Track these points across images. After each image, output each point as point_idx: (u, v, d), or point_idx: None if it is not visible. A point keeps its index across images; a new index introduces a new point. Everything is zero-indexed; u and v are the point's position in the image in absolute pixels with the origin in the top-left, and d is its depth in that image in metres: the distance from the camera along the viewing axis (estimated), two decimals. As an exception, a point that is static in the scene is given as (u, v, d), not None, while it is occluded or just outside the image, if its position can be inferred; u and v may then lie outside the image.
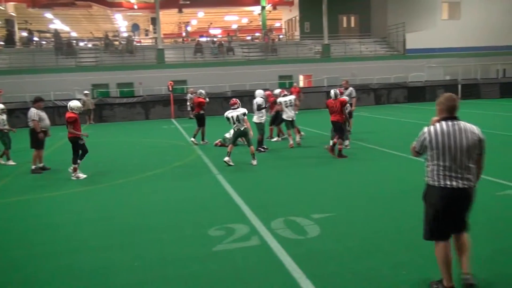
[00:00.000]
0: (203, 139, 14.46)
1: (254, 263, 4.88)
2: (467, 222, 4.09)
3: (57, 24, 44.18)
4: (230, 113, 10.69)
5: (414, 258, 4.80)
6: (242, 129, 10.64)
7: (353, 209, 6.74)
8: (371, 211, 6.56)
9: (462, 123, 3.91)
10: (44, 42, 35.98)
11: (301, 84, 30.85)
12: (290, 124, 12.87)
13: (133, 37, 35.74)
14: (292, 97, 13.14)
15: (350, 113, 12.27)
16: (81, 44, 37.35)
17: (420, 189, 7.51)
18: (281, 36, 41.49)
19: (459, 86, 29.69)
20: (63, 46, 29.52)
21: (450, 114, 3.93)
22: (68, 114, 9.70)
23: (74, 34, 51.60)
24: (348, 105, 11.69)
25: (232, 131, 13.36)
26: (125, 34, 40.59)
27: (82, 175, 9.82)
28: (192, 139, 14.39)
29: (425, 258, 4.76)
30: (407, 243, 5.19)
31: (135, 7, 39.18)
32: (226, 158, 10.47)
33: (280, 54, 31.61)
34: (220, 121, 15.95)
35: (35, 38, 34.98)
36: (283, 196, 7.67)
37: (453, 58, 31.29)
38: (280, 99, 12.96)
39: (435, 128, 3.93)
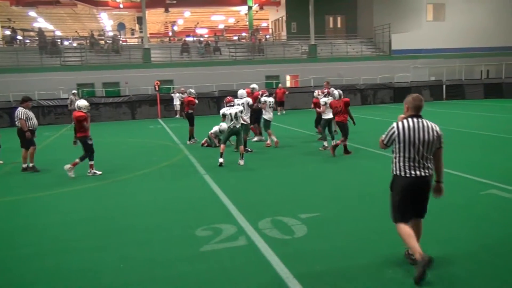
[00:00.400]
0: (189, 139, 14.42)
1: (242, 263, 4.88)
2: (426, 209, 4.59)
3: (41, 23, 43.64)
4: (228, 110, 10.55)
5: (400, 257, 4.84)
6: (238, 126, 10.58)
7: (340, 208, 6.78)
8: (358, 211, 6.61)
9: (425, 121, 4.46)
10: (28, 41, 35.53)
11: (288, 84, 30.93)
12: (269, 124, 12.98)
13: (119, 36, 35.44)
14: (272, 99, 13.27)
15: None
16: (66, 43, 36.96)
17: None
18: (267, 36, 41.54)
19: (444, 87, 30.08)
20: (48, 45, 29.18)
21: (416, 113, 4.48)
22: (77, 113, 9.74)
23: (58, 33, 51.05)
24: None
25: (215, 128, 13.32)
26: (111, 33, 40.26)
27: (98, 172, 10.00)
28: (192, 141, 14.37)
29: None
30: (393, 243, 5.24)
31: (121, 6, 38.90)
32: (221, 160, 10.36)
33: (267, 54, 31.66)
34: (207, 121, 15.94)
35: (19, 37, 34.50)
36: (270, 196, 7.68)
37: (438, 59, 31.66)
38: (264, 98, 13.01)
39: (403, 124, 4.45)
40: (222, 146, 10.62)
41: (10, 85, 25.03)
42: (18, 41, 33.43)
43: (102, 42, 32.41)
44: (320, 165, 10.24)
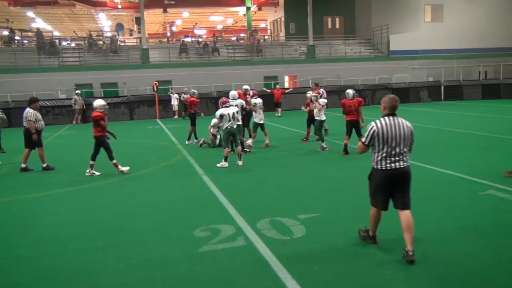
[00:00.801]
0: (188, 139, 14.41)
1: (240, 264, 4.87)
2: (408, 201, 4.93)
3: (39, 23, 43.57)
4: (225, 111, 10.46)
5: (398, 257, 4.84)
6: (235, 127, 10.55)
7: (339, 209, 6.77)
8: (356, 211, 6.59)
9: (400, 119, 4.93)
10: (26, 41, 35.46)
11: (286, 84, 30.93)
12: (261, 126, 12.87)
13: (117, 36, 35.41)
14: (260, 100, 13.08)
15: None
16: (64, 43, 36.93)
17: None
18: (266, 37, 41.56)
19: (442, 88, 30.11)
20: (46, 46, 29.14)
21: (392, 111, 4.95)
22: (93, 113, 9.85)
23: (56, 33, 50.98)
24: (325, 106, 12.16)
25: (214, 121, 13.13)
26: (109, 34, 40.23)
27: (97, 173, 9.97)
28: (191, 141, 14.37)
29: (410, 257, 4.83)
30: (393, 243, 5.24)
31: (119, 6, 38.86)
32: (226, 164, 10.28)
33: (265, 55, 31.68)
34: (205, 122, 15.91)
35: (17, 37, 34.45)
36: (268, 197, 7.67)
37: (436, 60, 31.70)
38: (254, 101, 12.86)
39: (381, 122, 4.90)
40: (226, 150, 10.48)
41: (8, 86, 25.00)
42: (16, 41, 33.39)
43: (100, 42, 32.38)
44: (318, 166, 10.23)
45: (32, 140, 10.60)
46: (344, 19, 37.41)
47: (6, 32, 35.04)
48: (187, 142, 14.33)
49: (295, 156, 11.56)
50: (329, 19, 37.28)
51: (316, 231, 5.76)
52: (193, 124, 14.37)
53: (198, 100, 15.05)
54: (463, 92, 30.00)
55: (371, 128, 4.91)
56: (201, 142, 13.73)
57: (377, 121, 4.91)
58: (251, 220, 6.25)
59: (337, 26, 37.62)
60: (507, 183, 7.73)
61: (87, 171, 9.97)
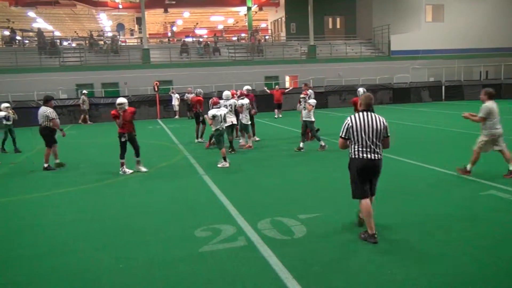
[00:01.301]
0: (201, 136, 14.47)
1: (241, 264, 4.87)
2: (374, 188, 5.57)
3: (40, 23, 43.60)
4: (218, 111, 10.53)
5: (399, 257, 4.84)
6: (224, 128, 10.61)
7: (339, 209, 6.76)
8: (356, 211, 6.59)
9: (374, 114, 5.40)
10: (27, 41, 35.48)
11: (287, 85, 30.93)
12: (247, 128, 12.84)
13: (118, 36, 35.41)
14: (247, 100, 12.97)
15: None
16: (65, 43, 36.94)
17: (405, 188, 7.58)
18: (267, 37, 41.55)
19: (443, 88, 30.09)
20: (47, 46, 29.15)
21: (366, 108, 5.43)
22: (111, 112, 10.02)
23: (57, 33, 51.01)
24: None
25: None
26: (110, 34, 40.24)
27: (128, 171, 10.00)
28: (199, 139, 14.43)
29: (411, 256, 4.83)
30: (392, 243, 5.23)
31: (120, 6, 38.89)
32: (227, 164, 10.27)
33: (266, 55, 31.66)
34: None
35: (18, 37, 34.45)
36: (269, 197, 7.66)
37: (437, 60, 31.68)
38: (241, 101, 12.71)
39: (355, 116, 5.39)
40: (222, 150, 10.47)
41: (9, 86, 25.01)
42: (17, 41, 33.39)
43: (101, 42, 32.37)
44: (318, 166, 10.22)
45: (53, 138, 10.75)
46: (345, 19, 37.36)
47: (7, 32, 35.03)
48: (196, 140, 14.41)
49: (295, 156, 11.55)
50: (330, 19, 37.25)
51: (317, 231, 5.75)
52: (203, 123, 14.39)
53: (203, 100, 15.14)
54: (464, 92, 29.98)
55: (346, 123, 5.39)
56: (207, 144, 13.65)
57: (352, 116, 5.40)
58: (251, 220, 6.25)
59: (338, 26, 37.58)
60: (508, 184, 7.73)
61: (123, 169, 10.03)
